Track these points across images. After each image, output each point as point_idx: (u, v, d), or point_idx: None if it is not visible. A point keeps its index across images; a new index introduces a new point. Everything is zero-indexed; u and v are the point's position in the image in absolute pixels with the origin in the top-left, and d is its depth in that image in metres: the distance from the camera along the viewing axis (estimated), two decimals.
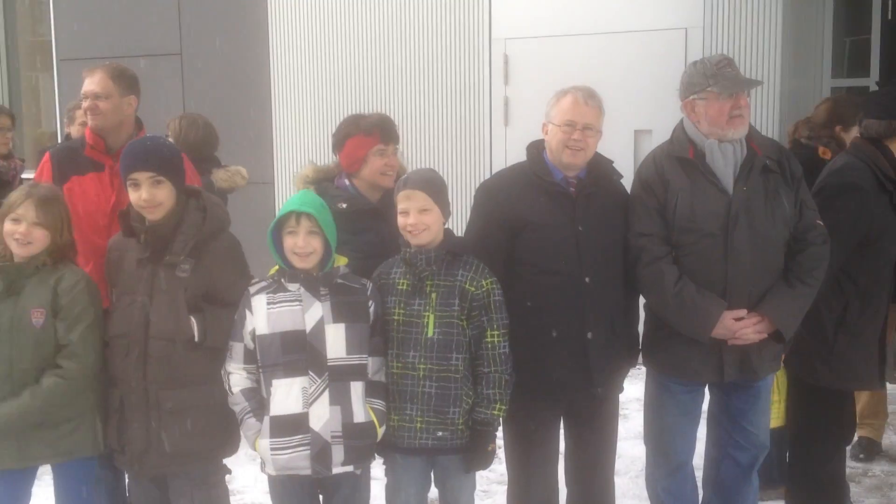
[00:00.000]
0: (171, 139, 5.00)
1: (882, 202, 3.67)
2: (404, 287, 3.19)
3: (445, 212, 3.21)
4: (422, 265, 3.15)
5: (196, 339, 3.14)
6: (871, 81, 6.37)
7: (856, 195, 3.61)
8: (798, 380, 3.74)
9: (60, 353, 3.18)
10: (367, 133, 3.46)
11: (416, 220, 3.13)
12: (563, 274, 3.30)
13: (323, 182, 3.50)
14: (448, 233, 3.24)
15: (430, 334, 3.13)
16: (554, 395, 3.37)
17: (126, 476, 3.66)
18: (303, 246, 3.05)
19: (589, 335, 3.32)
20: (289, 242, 3.08)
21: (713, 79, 3.35)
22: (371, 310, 3.15)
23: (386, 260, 3.30)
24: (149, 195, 3.14)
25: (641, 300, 3.54)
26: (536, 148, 3.46)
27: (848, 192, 3.59)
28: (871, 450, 4.95)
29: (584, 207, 3.34)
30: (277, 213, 3.12)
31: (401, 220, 3.17)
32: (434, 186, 3.19)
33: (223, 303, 3.20)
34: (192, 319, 3.14)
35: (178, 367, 3.16)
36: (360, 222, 3.40)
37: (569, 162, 3.34)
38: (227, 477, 3.44)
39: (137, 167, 3.15)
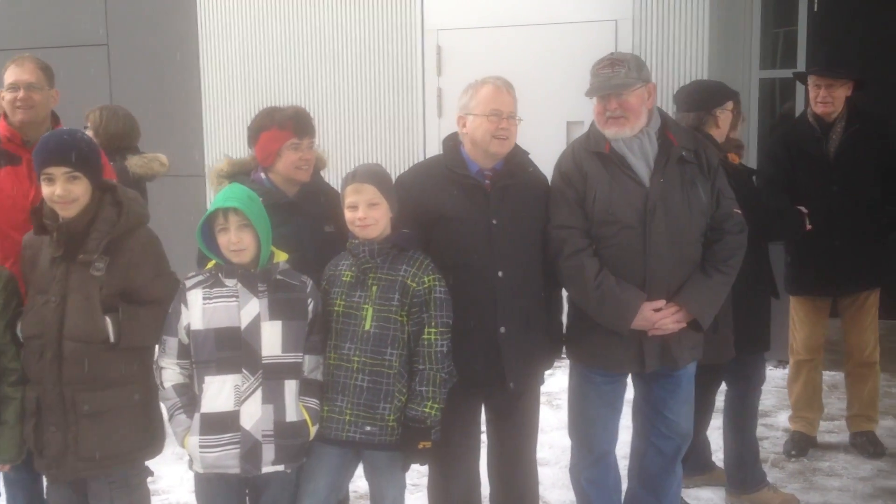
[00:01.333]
0: (90, 130, 4.89)
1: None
2: (348, 279, 3.17)
3: (393, 206, 3.19)
4: (364, 257, 3.13)
5: (111, 339, 3.06)
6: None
7: None
8: None
9: (6, 356, 3.14)
10: (280, 127, 3.40)
11: (364, 213, 3.10)
12: (474, 268, 3.29)
13: (238, 176, 3.43)
14: (396, 227, 3.21)
15: (367, 327, 3.11)
16: (468, 389, 3.34)
17: (44, 479, 3.57)
18: (236, 242, 3.00)
19: (502, 329, 3.32)
20: (223, 240, 3.03)
21: (590, 80, 3.39)
22: (310, 307, 3.11)
23: (302, 254, 3.25)
24: (63, 191, 3.04)
25: (564, 292, 3.55)
26: (453, 140, 3.44)
27: None
28: (803, 445, 4.92)
29: (499, 200, 3.33)
30: (206, 211, 3.06)
31: (349, 214, 3.15)
32: (383, 180, 3.17)
33: (141, 301, 3.13)
34: (107, 319, 3.06)
35: (94, 368, 3.07)
36: (277, 216, 3.32)
37: (496, 151, 3.32)
38: (152, 477, 3.38)
39: (53, 162, 3.05)
